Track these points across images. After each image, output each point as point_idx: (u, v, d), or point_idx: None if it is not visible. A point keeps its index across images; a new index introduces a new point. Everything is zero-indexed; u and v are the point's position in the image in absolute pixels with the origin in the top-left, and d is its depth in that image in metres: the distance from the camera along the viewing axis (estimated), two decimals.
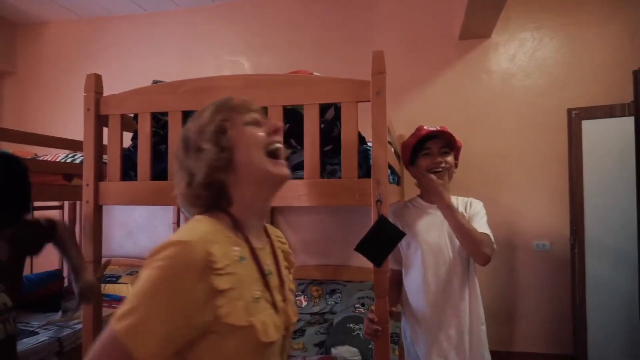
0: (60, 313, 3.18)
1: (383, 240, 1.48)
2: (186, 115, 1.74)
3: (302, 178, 1.61)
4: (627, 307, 2.82)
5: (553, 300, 3.21)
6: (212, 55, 3.92)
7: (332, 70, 3.53)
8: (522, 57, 3.35)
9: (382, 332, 1.47)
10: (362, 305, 2.80)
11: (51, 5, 3.97)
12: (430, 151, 1.68)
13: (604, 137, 2.94)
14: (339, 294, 3.21)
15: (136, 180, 1.77)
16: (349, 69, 3.57)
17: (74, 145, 2.93)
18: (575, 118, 3.01)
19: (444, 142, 1.71)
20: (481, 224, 1.62)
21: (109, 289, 3.50)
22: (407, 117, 3.36)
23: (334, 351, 2.23)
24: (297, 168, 1.65)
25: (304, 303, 3.21)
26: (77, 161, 2.87)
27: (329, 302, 3.19)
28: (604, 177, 2.93)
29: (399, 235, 1.49)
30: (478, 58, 3.42)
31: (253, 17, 3.85)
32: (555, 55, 3.29)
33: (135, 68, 4.03)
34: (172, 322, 0.69)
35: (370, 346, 2.32)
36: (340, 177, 1.60)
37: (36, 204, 3.62)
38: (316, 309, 3.16)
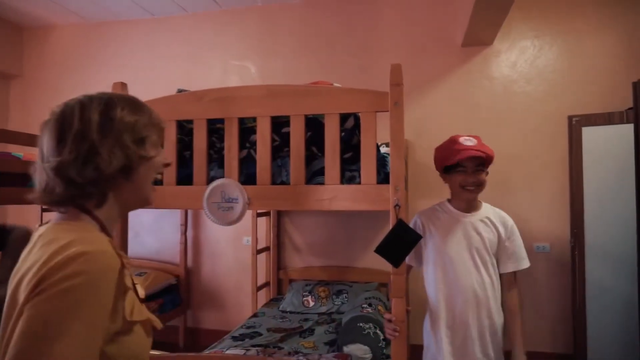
0: None
1: (401, 243, 1.56)
2: (211, 123, 1.82)
3: (322, 184, 1.69)
4: (626, 309, 2.92)
5: (553, 301, 3.31)
6: (219, 60, 3.99)
7: (336, 76, 3.62)
8: (523, 65, 3.45)
9: (400, 331, 1.56)
10: (369, 305, 2.88)
11: (58, 9, 4.01)
12: (464, 169, 1.71)
13: (603, 143, 3.05)
14: (346, 295, 3.29)
15: (162, 184, 1.84)
16: (353, 75, 3.68)
17: None
18: (576, 125, 3.12)
19: (480, 160, 1.72)
20: (521, 252, 1.77)
21: None
22: (411, 122, 3.45)
23: (346, 349, 2.31)
24: (317, 174, 1.74)
25: (312, 303, 3.29)
26: None
27: (336, 303, 3.27)
28: (604, 182, 3.04)
29: (416, 238, 1.57)
30: (480, 65, 3.52)
31: (260, 23, 3.92)
32: (554, 63, 3.40)
33: (141, 72, 4.09)
34: (95, 342, 0.69)
35: (381, 344, 2.41)
36: (359, 183, 1.68)
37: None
38: (323, 309, 3.24)
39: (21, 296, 0.71)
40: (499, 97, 3.47)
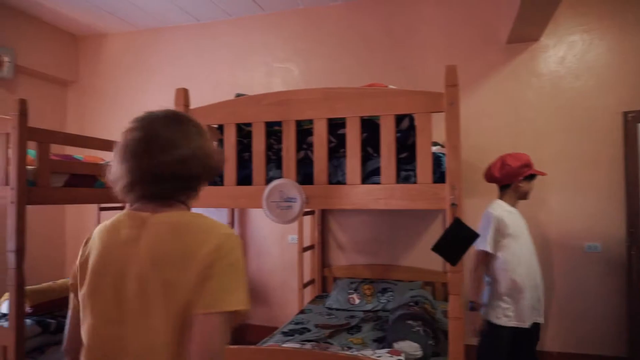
0: None
1: (458, 241, 1.59)
2: (269, 125, 1.90)
3: (378, 183, 1.74)
4: None
5: (605, 302, 3.22)
6: (262, 62, 4.09)
7: (377, 76, 3.65)
8: (572, 60, 3.37)
9: (458, 328, 1.58)
10: (416, 303, 2.91)
11: (110, 18, 4.22)
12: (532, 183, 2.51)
13: None
14: (391, 293, 3.32)
15: (222, 185, 1.94)
16: (394, 75, 3.69)
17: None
18: (631, 121, 3.03)
19: None
20: None
21: None
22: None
23: (396, 346, 2.34)
24: (373, 174, 1.78)
25: (357, 301, 3.34)
26: None
27: (382, 300, 3.30)
28: None
29: (473, 236, 1.59)
30: (526, 61, 3.46)
31: (302, 25, 3.99)
32: (605, 57, 3.30)
33: (188, 77, 4.24)
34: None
35: (430, 342, 2.43)
36: (415, 183, 1.71)
37: (104, 204, 3.88)
38: (369, 306, 3.29)
39: (193, 263, 0.89)
40: (546, 94, 3.41)
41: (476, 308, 2.43)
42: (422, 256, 3.59)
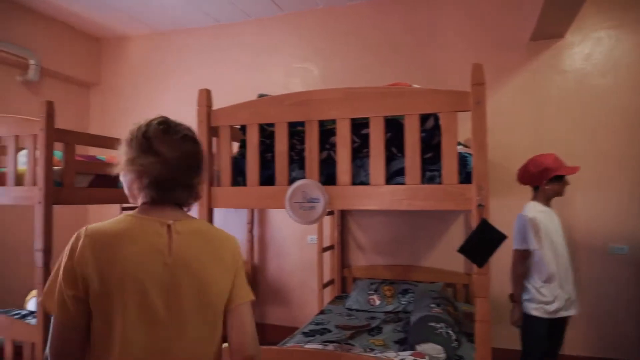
0: None
1: (486, 243, 1.55)
2: (291, 125, 1.89)
3: (403, 184, 1.72)
4: None
5: (629, 305, 3.14)
6: (281, 63, 4.09)
7: (398, 75, 3.62)
8: (598, 57, 3.29)
9: (484, 332, 1.55)
10: (438, 305, 2.87)
11: (130, 21, 4.28)
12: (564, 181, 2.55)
13: None
14: (412, 294, 3.28)
15: (245, 185, 1.94)
16: (415, 73, 3.65)
17: None
18: None
19: None
20: None
21: None
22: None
23: (419, 348, 2.31)
24: (397, 174, 1.76)
25: (377, 302, 3.31)
26: None
27: (402, 302, 3.27)
28: None
29: (500, 237, 1.56)
30: (550, 59, 3.39)
31: (321, 25, 3.99)
32: (632, 54, 3.21)
33: (208, 78, 4.26)
34: None
35: (454, 345, 2.39)
36: (440, 183, 1.69)
37: (126, 204, 3.93)
38: (390, 307, 3.26)
39: (221, 268, 1.07)
40: (571, 91, 3.33)
41: (515, 300, 2.55)
42: (443, 257, 3.55)
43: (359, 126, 1.81)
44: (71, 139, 2.35)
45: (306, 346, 2.21)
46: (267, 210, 4.03)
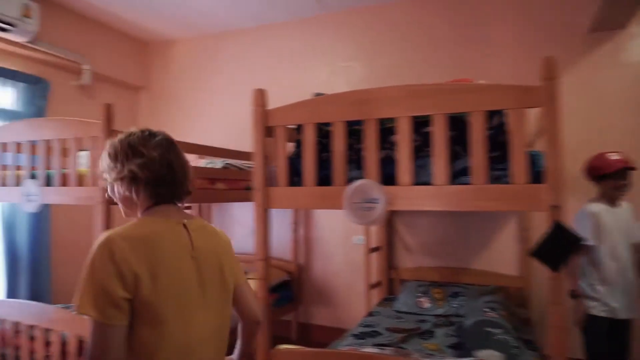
0: None
1: (560, 246, 1.47)
2: (349, 124, 1.86)
3: (467, 184, 1.65)
4: None
5: None
6: (325, 62, 4.07)
7: (446, 72, 3.52)
8: None
9: (561, 337, 1.47)
10: (492, 309, 2.77)
11: (176, 25, 4.38)
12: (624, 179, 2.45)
13: None
14: (463, 297, 3.19)
15: (301, 185, 1.92)
16: (465, 70, 3.53)
17: (218, 152, 3.21)
18: None
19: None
20: None
21: None
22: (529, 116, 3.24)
23: (480, 354, 2.23)
24: (462, 174, 1.70)
25: (427, 304, 3.23)
26: (218, 167, 3.14)
27: (453, 305, 3.18)
28: None
29: (576, 240, 1.47)
30: (610, 51, 3.21)
31: (365, 23, 3.94)
32: None
33: (253, 78, 4.30)
34: None
35: (514, 351, 2.29)
36: (507, 183, 1.61)
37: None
38: (440, 311, 3.17)
39: (228, 255, 1.29)
40: (633, 85, 3.14)
41: (577, 295, 2.50)
42: (494, 259, 3.43)
43: (420, 124, 1.76)
44: None
45: (364, 349, 2.17)
46: (313, 210, 4.02)
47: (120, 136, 1.19)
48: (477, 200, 1.62)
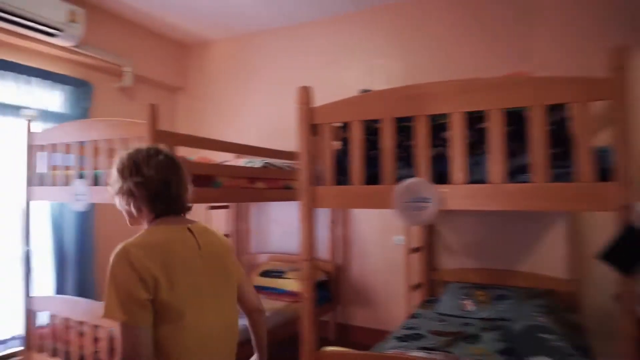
0: None
1: (633, 249, 1.37)
2: (398, 121, 1.80)
3: (527, 182, 1.57)
4: None
5: None
6: (360, 59, 4.01)
7: (491, 66, 3.40)
8: None
9: (634, 350, 1.37)
10: (542, 314, 2.65)
11: (212, 26, 4.41)
12: None
13: None
14: (510, 300, 3.06)
15: (347, 184, 1.88)
16: (507, 63, 3.38)
17: (258, 152, 3.21)
18: None
19: None
20: None
21: (274, 283, 3.78)
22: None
23: None
24: (520, 172, 1.61)
25: (471, 307, 3.13)
26: (257, 166, 3.14)
27: (499, 308, 3.06)
28: None
29: None
30: None
31: (402, 19, 3.85)
32: None
33: (289, 78, 4.28)
34: None
35: (570, 359, 2.18)
36: (572, 181, 1.52)
37: (214, 204, 4.05)
38: (485, 314, 3.06)
39: (229, 253, 1.41)
40: None
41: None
42: (541, 261, 3.28)
43: (475, 120, 1.68)
44: (173, 140, 2.42)
45: (411, 353, 2.11)
46: (350, 209, 3.96)
47: (129, 152, 1.30)
48: (538, 199, 1.53)
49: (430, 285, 3.59)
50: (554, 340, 2.26)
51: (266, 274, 3.88)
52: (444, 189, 1.67)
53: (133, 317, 1.08)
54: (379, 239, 3.85)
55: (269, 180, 3.09)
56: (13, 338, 3.13)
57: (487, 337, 2.70)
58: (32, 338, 2.78)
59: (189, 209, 1.36)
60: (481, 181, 1.65)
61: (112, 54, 3.97)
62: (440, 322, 3.00)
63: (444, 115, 1.72)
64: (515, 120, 1.62)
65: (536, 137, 1.54)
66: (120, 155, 1.31)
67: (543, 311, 2.71)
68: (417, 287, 3.49)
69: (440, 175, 1.72)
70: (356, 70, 4.02)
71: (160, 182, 1.25)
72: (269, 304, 3.50)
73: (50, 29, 3.25)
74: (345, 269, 4.01)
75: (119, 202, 1.30)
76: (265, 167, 3.19)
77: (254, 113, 4.50)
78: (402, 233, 3.51)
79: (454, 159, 1.67)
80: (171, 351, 1.15)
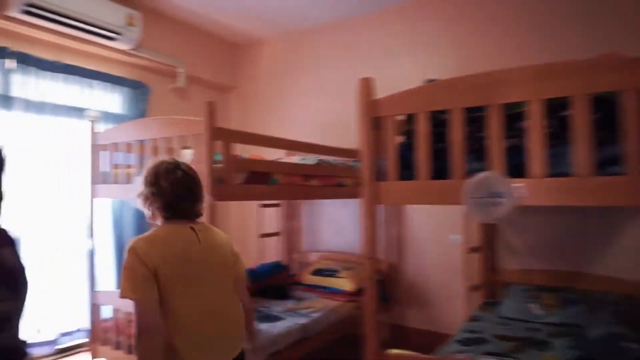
0: (290, 301, 3.49)
1: None
2: (468, 111, 1.69)
3: (620, 174, 1.42)
4: None
5: None
6: (413, 53, 3.89)
7: (563, 52, 3.18)
8: None
9: None
10: (623, 321, 2.44)
11: (263, 24, 4.42)
12: None
13: None
14: (583, 305, 2.85)
15: (412, 179, 1.79)
16: (580, 49, 3.14)
17: (314, 149, 3.18)
18: None
19: None
20: None
21: (326, 281, 3.73)
22: None
23: None
24: (610, 163, 1.46)
25: (538, 311, 2.93)
26: (311, 163, 3.10)
27: (569, 313, 2.85)
28: None
29: None
30: None
31: (454, 10, 3.69)
32: None
33: (342, 74, 4.22)
34: None
35: None
36: None
37: (267, 202, 4.05)
38: (554, 319, 2.85)
39: (228, 248, 1.64)
40: None
41: None
42: (618, 263, 3.02)
43: (555, 107, 1.54)
44: (230, 136, 2.42)
45: (480, 359, 1.99)
46: (405, 206, 3.84)
47: (156, 162, 1.55)
48: (633, 194, 1.38)
49: (490, 287, 3.41)
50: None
51: (318, 272, 3.83)
52: (521, 183, 1.54)
53: (142, 294, 1.35)
54: (435, 237, 3.71)
55: (323, 178, 3.04)
56: (79, 330, 3.26)
57: (558, 343, 2.52)
58: (96, 331, 2.88)
59: (199, 215, 1.59)
60: (564, 174, 1.52)
61: (166, 55, 4.06)
62: (504, 325, 2.84)
63: (519, 104, 1.59)
64: (604, 107, 1.47)
65: (631, 124, 1.39)
66: (149, 164, 1.56)
67: (624, 318, 2.50)
68: (476, 288, 3.33)
69: (516, 168, 1.60)
70: (412, 63, 3.89)
71: (172, 195, 1.48)
72: (322, 303, 3.45)
73: (110, 33, 3.36)
74: (400, 269, 3.89)
75: (140, 202, 1.54)
76: (319, 164, 3.14)
77: (305, 110, 4.47)
78: (458, 231, 3.37)
79: (532, 151, 1.54)
80: (181, 320, 1.41)
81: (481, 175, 1.60)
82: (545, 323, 2.86)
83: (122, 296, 1.36)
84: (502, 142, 1.60)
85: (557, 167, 1.54)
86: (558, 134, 1.55)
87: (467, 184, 1.63)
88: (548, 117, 1.54)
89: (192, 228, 1.52)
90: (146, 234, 1.47)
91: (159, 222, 1.53)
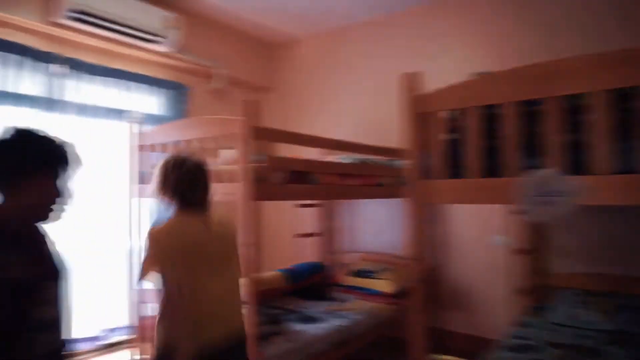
0: (328, 302, 3.45)
1: None
2: (523, 104, 1.60)
3: None
4: None
5: None
6: (451, 49, 3.78)
7: (603, 43, 3.00)
8: None
9: None
10: None
11: (299, 23, 4.41)
12: None
13: None
14: (637, 311, 2.68)
15: (462, 177, 1.71)
16: (621, 39, 2.96)
17: (356, 148, 3.13)
18: None
19: None
20: None
21: (365, 283, 3.67)
22: None
23: None
24: None
25: (590, 317, 2.78)
26: (347, 162, 3.05)
27: (623, 320, 2.68)
28: None
29: None
30: None
31: (496, 4, 3.56)
32: None
33: (376, 73, 4.16)
34: None
35: None
36: None
37: (305, 201, 4.03)
38: (608, 326, 2.69)
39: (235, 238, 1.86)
40: None
41: None
42: None
43: (621, 99, 1.44)
44: (271, 136, 2.40)
45: None
46: (446, 206, 3.73)
47: (167, 158, 1.75)
48: None
49: (537, 291, 3.26)
50: None
51: (357, 273, 3.78)
52: (583, 180, 1.44)
53: (164, 270, 1.58)
54: (478, 238, 3.58)
55: (363, 177, 2.99)
56: (122, 327, 3.33)
57: (611, 352, 2.38)
58: (138, 328, 2.92)
59: (209, 204, 1.75)
60: (630, 171, 1.41)
61: (205, 57, 4.11)
62: (553, 332, 2.70)
63: (579, 96, 1.49)
64: None
65: None
66: (162, 160, 1.74)
67: None
68: (522, 292, 3.19)
69: (576, 165, 1.50)
70: (448, 59, 3.78)
71: (177, 188, 1.66)
72: (360, 305, 3.39)
73: (152, 36, 3.42)
74: (441, 271, 3.78)
75: (155, 196, 1.72)
76: (358, 163, 3.09)
77: (343, 109, 4.42)
78: (503, 233, 3.24)
79: (595, 146, 1.44)
80: (193, 300, 1.59)
81: (539, 172, 1.51)
82: (597, 330, 2.70)
83: (144, 277, 1.62)
84: (560, 137, 1.50)
85: (624, 163, 1.43)
86: (625, 127, 1.44)
87: (523, 182, 1.54)
88: (614, 109, 1.43)
89: (204, 219, 1.70)
90: (162, 226, 1.64)
91: (173, 212, 1.69)
